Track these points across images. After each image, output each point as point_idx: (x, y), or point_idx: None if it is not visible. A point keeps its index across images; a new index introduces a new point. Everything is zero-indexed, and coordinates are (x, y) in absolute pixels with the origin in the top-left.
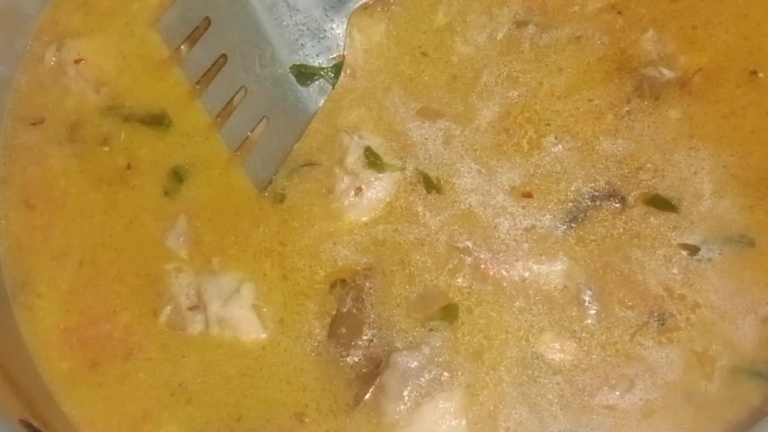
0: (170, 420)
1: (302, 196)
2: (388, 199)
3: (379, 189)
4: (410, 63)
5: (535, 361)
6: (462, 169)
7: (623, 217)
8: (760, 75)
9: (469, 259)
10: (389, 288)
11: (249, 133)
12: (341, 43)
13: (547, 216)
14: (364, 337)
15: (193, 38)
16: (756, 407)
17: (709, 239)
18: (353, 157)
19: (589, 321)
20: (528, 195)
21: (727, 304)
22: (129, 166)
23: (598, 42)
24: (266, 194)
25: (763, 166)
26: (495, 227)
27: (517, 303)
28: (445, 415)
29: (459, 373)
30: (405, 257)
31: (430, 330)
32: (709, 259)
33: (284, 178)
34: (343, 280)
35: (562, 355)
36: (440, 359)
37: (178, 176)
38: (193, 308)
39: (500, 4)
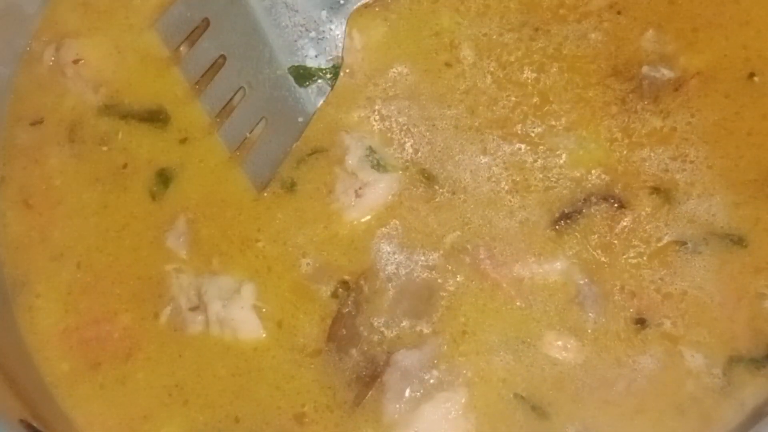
0: (169, 421)
1: (303, 196)
2: (387, 200)
3: (379, 189)
4: (410, 63)
5: (537, 361)
6: (462, 169)
7: (620, 216)
8: (756, 79)
9: (468, 259)
10: (389, 289)
11: (248, 134)
12: (340, 44)
13: (546, 216)
14: (364, 338)
15: (191, 39)
16: (756, 407)
17: (702, 236)
18: (353, 158)
19: (589, 320)
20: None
21: (720, 297)
22: (125, 166)
23: (598, 42)
24: (266, 194)
25: (756, 167)
26: (494, 228)
27: (518, 302)
28: (446, 414)
29: (459, 373)
30: (405, 257)
31: (431, 330)
32: (700, 254)
33: (292, 169)
34: (345, 282)
35: (565, 354)
36: (441, 359)
37: (164, 178)
38: (193, 309)
39: (499, 4)
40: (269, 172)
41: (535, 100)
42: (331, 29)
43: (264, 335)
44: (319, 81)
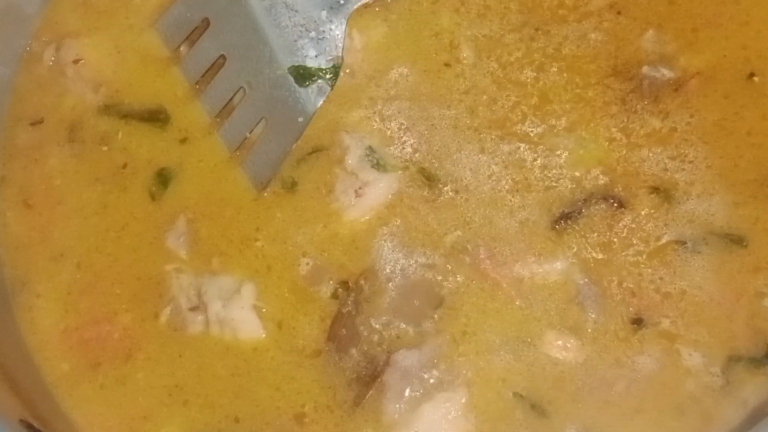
0: (169, 421)
1: (303, 196)
2: (387, 199)
3: (378, 189)
4: (410, 63)
5: (537, 360)
6: (462, 169)
7: (620, 216)
8: (756, 79)
9: (468, 259)
10: (389, 289)
11: (248, 134)
12: (340, 44)
13: (546, 215)
14: (364, 338)
15: (192, 39)
16: (756, 406)
17: (702, 235)
18: (353, 157)
19: (589, 319)
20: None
21: (719, 296)
22: (125, 166)
23: (598, 42)
24: (265, 193)
25: (755, 167)
26: (494, 227)
27: (518, 302)
28: (446, 414)
29: (459, 373)
30: (405, 257)
31: (431, 330)
32: (699, 253)
33: (292, 168)
34: (345, 282)
35: (565, 353)
36: (441, 359)
37: (164, 178)
38: (193, 309)
39: (498, 4)
40: (269, 173)
41: (535, 100)
42: (331, 29)
43: (264, 335)
44: (319, 81)
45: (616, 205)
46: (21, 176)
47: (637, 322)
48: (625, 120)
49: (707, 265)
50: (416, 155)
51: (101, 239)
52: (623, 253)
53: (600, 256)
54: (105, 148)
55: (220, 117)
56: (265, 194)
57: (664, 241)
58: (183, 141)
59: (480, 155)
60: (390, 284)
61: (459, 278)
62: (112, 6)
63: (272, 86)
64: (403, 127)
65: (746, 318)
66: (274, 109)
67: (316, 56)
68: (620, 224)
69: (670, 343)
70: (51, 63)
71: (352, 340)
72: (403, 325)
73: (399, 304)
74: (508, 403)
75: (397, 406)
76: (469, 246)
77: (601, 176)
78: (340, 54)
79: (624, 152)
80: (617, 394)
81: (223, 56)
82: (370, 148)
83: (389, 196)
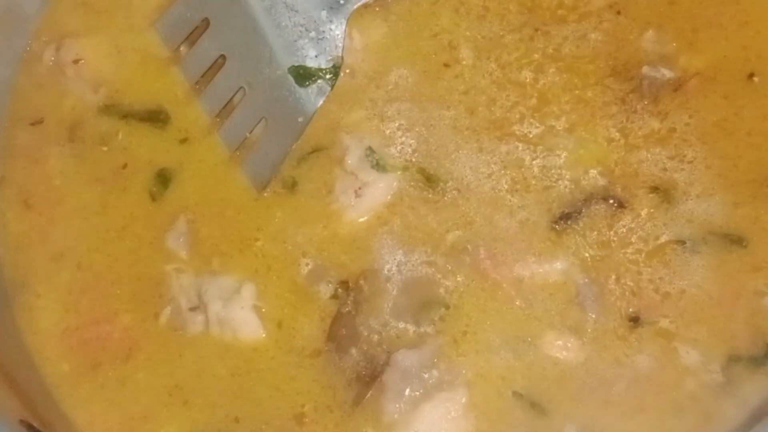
0: (169, 420)
1: (303, 196)
2: (387, 199)
3: (378, 189)
4: (409, 63)
5: (538, 360)
6: (462, 169)
7: (620, 216)
8: (756, 79)
9: (468, 259)
10: (388, 289)
11: (248, 134)
12: (340, 44)
13: (546, 216)
14: (364, 338)
15: (192, 39)
16: (756, 406)
17: (701, 235)
18: (353, 158)
19: (589, 319)
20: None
21: (718, 295)
22: (125, 166)
23: (598, 42)
24: (266, 193)
25: (755, 167)
26: (494, 228)
27: (518, 302)
28: (446, 414)
29: (459, 373)
30: (404, 257)
31: (431, 330)
32: (699, 253)
33: (293, 168)
34: (345, 282)
35: (565, 353)
36: (441, 359)
37: (164, 178)
38: (193, 309)
39: (498, 5)
40: (269, 173)
41: (534, 100)
42: (331, 29)
43: (264, 335)
44: (319, 81)
45: (615, 205)
46: (21, 176)
47: (632, 320)
48: (625, 120)
49: (707, 265)
50: (416, 155)
51: (101, 239)
52: (623, 253)
53: (600, 255)
54: (105, 148)
55: (220, 117)
56: (266, 194)
57: (663, 240)
58: (183, 141)
59: (479, 155)
60: (390, 284)
61: (459, 278)
62: (112, 6)
63: (272, 86)
64: (402, 127)
65: (746, 317)
66: (274, 109)
67: (316, 56)
68: (620, 224)
69: (667, 342)
70: (51, 63)
71: (352, 340)
72: (403, 325)
73: (399, 304)
74: (508, 403)
75: (397, 406)
76: (469, 246)
77: (600, 176)
78: (340, 54)
79: (623, 152)
80: (617, 393)
81: (223, 56)
82: (369, 148)
83: (389, 197)
